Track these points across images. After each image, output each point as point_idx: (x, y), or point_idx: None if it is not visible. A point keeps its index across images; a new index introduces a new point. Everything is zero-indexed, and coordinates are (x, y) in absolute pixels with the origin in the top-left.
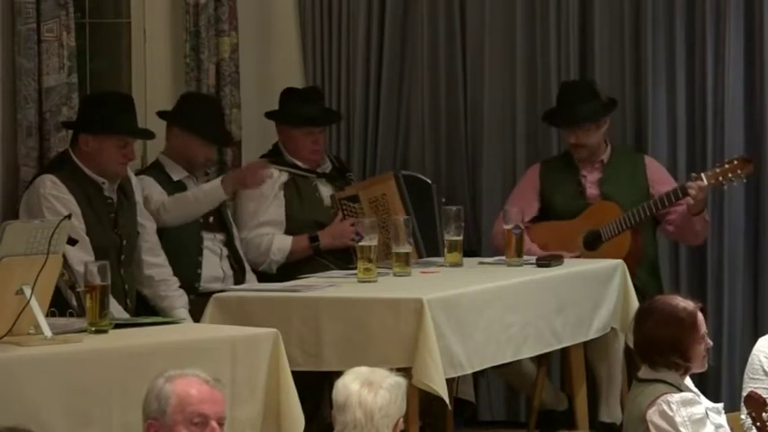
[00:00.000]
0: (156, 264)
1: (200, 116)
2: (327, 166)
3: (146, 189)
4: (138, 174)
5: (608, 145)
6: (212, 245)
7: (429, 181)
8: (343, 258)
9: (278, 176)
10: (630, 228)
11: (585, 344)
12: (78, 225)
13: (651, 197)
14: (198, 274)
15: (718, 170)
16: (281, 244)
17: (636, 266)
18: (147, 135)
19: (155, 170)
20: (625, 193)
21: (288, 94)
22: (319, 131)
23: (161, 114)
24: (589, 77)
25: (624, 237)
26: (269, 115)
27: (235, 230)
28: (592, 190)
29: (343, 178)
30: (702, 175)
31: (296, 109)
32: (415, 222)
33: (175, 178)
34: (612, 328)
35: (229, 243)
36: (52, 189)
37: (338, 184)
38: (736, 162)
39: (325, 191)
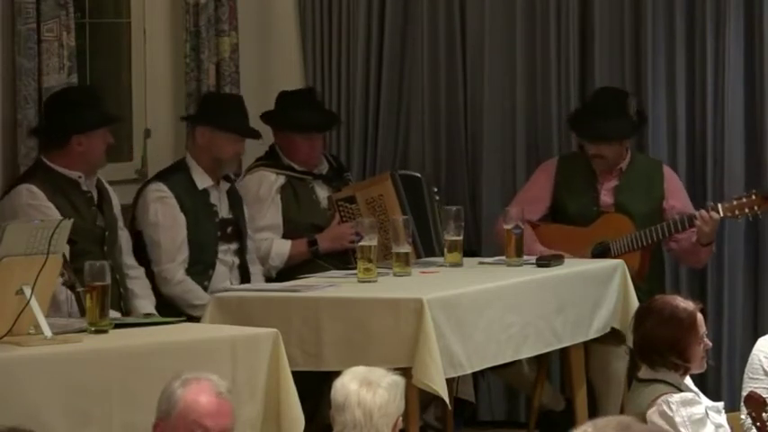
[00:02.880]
0: (131, 266)
1: (226, 113)
2: (324, 167)
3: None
4: (164, 173)
5: (628, 152)
6: (225, 256)
7: (418, 174)
8: (342, 260)
9: (275, 180)
10: (640, 248)
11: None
12: None
13: (663, 211)
14: (205, 286)
15: (735, 203)
16: (279, 249)
17: (640, 283)
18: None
19: (180, 172)
20: (638, 204)
21: (285, 98)
22: (319, 137)
23: (186, 119)
24: (589, 79)
25: (633, 256)
26: (267, 119)
27: (249, 239)
28: (606, 198)
29: (341, 179)
30: (719, 206)
31: (296, 114)
32: (413, 222)
33: (200, 186)
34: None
35: (241, 252)
36: (28, 198)
37: (335, 185)
38: (754, 197)
39: (322, 193)
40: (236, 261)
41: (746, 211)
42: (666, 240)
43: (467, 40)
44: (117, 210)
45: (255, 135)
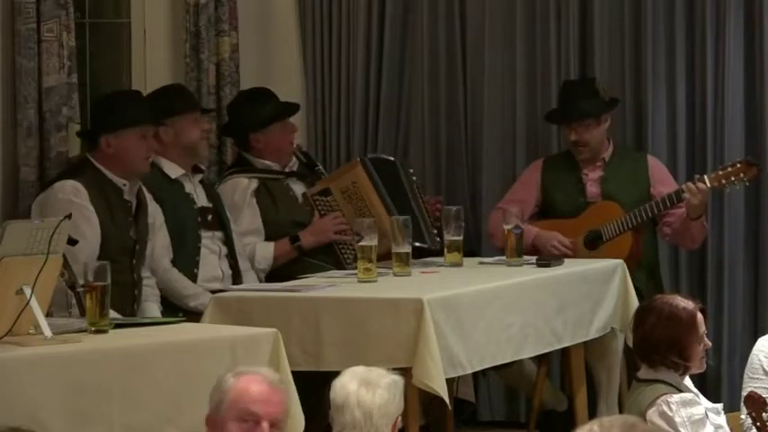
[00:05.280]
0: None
1: (177, 100)
2: (294, 164)
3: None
4: None
5: (610, 143)
6: (211, 243)
7: (392, 158)
8: (329, 254)
9: (247, 184)
10: (631, 229)
11: (585, 346)
12: (93, 232)
13: (651, 197)
14: (194, 273)
15: (720, 173)
16: (264, 252)
17: (635, 268)
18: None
19: (152, 169)
20: (625, 193)
21: (237, 103)
22: (292, 122)
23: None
24: (589, 77)
25: (625, 237)
26: (236, 129)
27: (234, 227)
28: (592, 188)
29: (313, 173)
30: (705, 177)
31: (264, 108)
32: (390, 204)
33: (173, 176)
34: (612, 329)
35: (228, 242)
36: (71, 194)
37: (309, 180)
38: (739, 165)
39: (298, 189)
40: (224, 250)
41: (733, 179)
42: (660, 225)
43: (467, 39)
44: (151, 220)
45: (207, 110)
